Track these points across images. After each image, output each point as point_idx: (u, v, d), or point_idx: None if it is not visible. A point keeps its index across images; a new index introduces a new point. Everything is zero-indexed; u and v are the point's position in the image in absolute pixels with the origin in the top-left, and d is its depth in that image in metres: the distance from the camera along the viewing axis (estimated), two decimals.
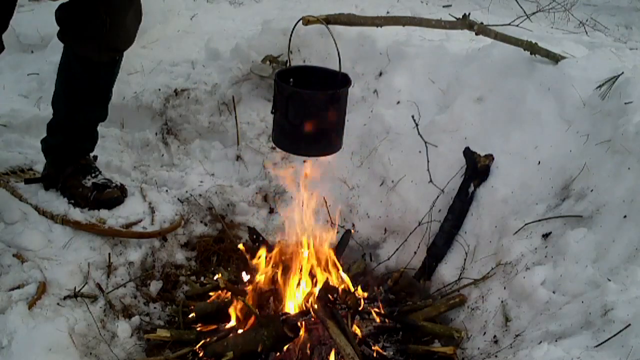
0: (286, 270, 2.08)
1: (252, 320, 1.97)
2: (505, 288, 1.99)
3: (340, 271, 2.14)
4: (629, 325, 1.52)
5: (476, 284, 2.10)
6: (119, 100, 3.04)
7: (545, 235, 2.00)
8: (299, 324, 1.90)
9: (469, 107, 2.44)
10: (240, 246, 2.31)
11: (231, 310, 2.02)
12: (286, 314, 1.97)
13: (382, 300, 2.20)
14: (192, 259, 2.47)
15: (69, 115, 2.33)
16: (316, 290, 1.98)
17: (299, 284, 2.05)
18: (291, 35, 1.80)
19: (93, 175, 2.38)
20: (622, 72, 2.13)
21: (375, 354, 1.92)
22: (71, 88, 2.28)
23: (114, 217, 2.32)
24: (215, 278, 2.28)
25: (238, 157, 2.82)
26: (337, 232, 2.55)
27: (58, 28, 2.16)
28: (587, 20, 4.46)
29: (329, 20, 2.11)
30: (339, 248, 2.37)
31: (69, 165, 2.37)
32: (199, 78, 3.04)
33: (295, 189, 2.65)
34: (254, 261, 2.19)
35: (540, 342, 1.67)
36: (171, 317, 2.20)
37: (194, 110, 2.94)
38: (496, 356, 1.81)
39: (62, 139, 2.36)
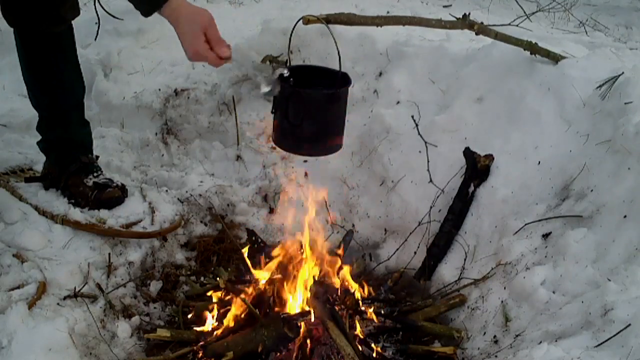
0: (286, 271, 2.08)
1: (252, 320, 1.97)
2: (505, 288, 1.99)
3: (344, 272, 2.14)
4: (629, 325, 1.52)
5: (476, 284, 2.10)
6: (119, 100, 3.04)
7: (545, 235, 2.00)
8: (299, 324, 1.90)
9: (469, 107, 2.44)
10: (244, 250, 2.29)
11: (231, 311, 2.02)
12: (286, 314, 1.97)
13: (382, 300, 2.21)
14: (192, 259, 2.47)
15: (53, 103, 2.32)
16: (313, 290, 1.98)
17: (298, 284, 2.05)
18: (291, 35, 1.80)
19: (95, 174, 2.38)
20: (622, 72, 2.13)
21: (375, 354, 1.92)
22: (41, 72, 2.27)
23: (114, 217, 2.32)
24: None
25: (238, 157, 2.82)
26: (337, 232, 2.55)
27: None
28: (587, 20, 4.46)
29: (329, 20, 2.12)
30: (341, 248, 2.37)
31: (72, 162, 2.36)
32: (199, 78, 3.04)
33: (295, 189, 2.66)
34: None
35: (540, 342, 1.67)
36: (171, 317, 2.20)
37: (194, 110, 2.94)
38: (496, 356, 1.81)
39: (61, 130, 2.35)
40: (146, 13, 1.66)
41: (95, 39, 2.30)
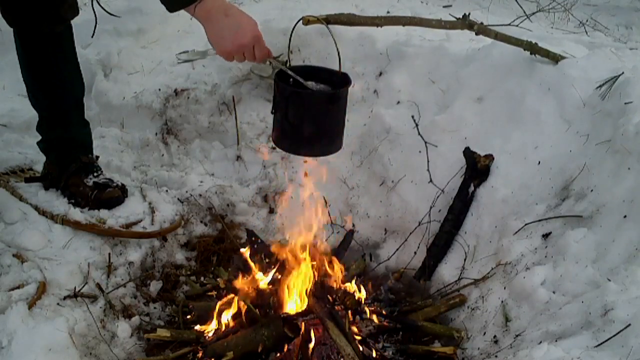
0: (286, 271, 2.08)
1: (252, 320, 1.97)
2: (505, 288, 1.99)
3: (342, 272, 2.14)
4: (629, 325, 1.52)
5: (476, 284, 2.10)
6: (119, 100, 3.04)
7: (545, 235, 2.00)
8: (299, 324, 1.90)
9: (469, 107, 2.44)
10: (243, 251, 2.29)
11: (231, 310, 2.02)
12: (286, 314, 1.97)
13: (382, 300, 2.20)
14: (192, 259, 2.47)
15: (52, 103, 2.32)
16: (313, 290, 1.98)
17: (298, 284, 2.05)
18: (291, 35, 1.80)
19: (95, 174, 2.38)
20: (622, 72, 2.14)
21: (375, 354, 1.92)
22: (41, 72, 2.27)
23: (114, 217, 2.32)
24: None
25: (238, 157, 2.82)
26: (337, 232, 2.55)
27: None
28: (587, 20, 4.46)
29: (329, 20, 2.12)
30: (341, 249, 2.37)
31: (72, 162, 2.36)
32: (199, 78, 3.04)
33: (295, 189, 2.65)
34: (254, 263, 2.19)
35: (540, 342, 1.67)
36: (171, 317, 2.20)
37: (194, 110, 2.94)
38: (496, 356, 1.81)
39: (61, 130, 2.35)
40: (171, 8, 1.66)
41: (92, 37, 2.29)
